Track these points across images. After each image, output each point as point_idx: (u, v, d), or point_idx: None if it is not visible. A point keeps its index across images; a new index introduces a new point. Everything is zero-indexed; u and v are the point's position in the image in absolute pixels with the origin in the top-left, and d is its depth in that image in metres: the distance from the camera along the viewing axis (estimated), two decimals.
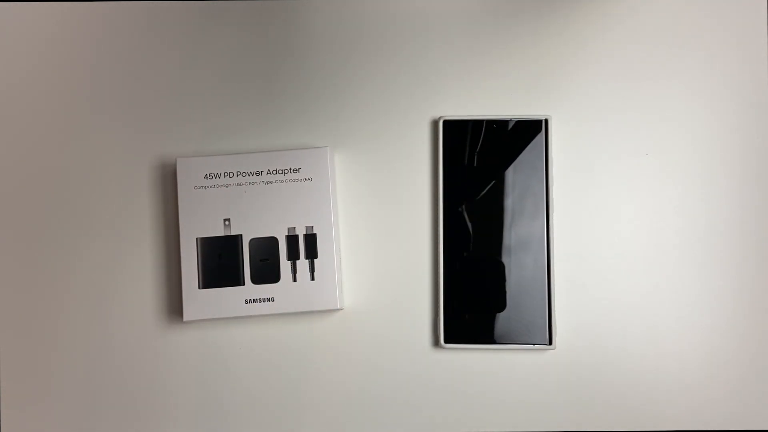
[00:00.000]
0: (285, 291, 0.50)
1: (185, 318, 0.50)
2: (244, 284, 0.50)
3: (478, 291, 0.51)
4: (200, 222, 0.50)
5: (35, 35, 0.55)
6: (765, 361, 0.51)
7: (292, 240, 0.50)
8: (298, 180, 0.51)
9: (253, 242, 0.50)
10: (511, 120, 0.52)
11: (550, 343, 0.50)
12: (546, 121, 0.52)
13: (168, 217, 0.53)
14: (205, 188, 0.51)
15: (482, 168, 0.52)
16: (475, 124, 0.52)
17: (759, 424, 0.51)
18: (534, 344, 0.50)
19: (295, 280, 0.50)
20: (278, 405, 0.52)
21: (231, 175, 0.51)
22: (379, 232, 0.53)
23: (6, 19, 0.55)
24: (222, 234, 0.50)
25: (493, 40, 0.54)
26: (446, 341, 0.51)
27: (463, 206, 0.51)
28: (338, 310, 0.51)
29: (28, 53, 0.55)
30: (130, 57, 0.55)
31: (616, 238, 0.52)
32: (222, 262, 0.50)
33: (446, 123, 0.52)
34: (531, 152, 0.52)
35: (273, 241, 0.50)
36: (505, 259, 0.51)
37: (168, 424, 0.53)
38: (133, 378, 0.53)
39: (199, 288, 0.50)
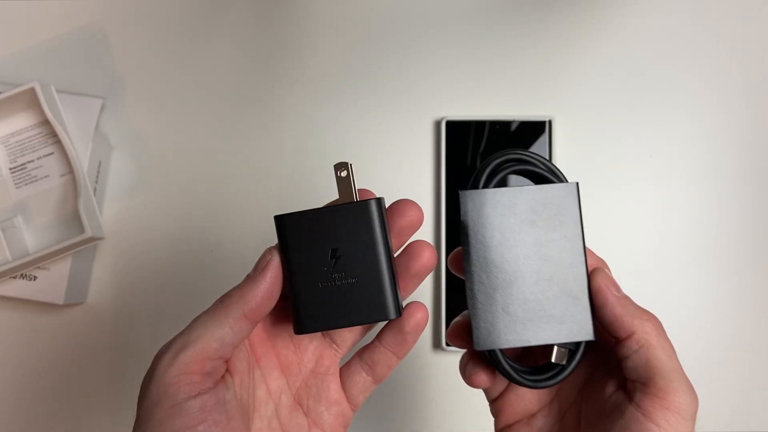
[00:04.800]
0: None
1: None
2: None
3: None
4: None
5: None
6: None
7: None
8: None
9: None
10: (514, 121, 0.52)
11: None
12: (549, 122, 0.52)
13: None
14: None
15: None
16: (477, 125, 0.52)
17: (761, 425, 0.51)
18: None
19: None
20: None
21: None
22: None
23: None
24: None
25: (496, 40, 0.54)
26: (447, 343, 0.51)
27: None
28: None
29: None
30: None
31: (620, 240, 0.52)
32: None
33: (449, 124, 0.52)
34: None
35: None
36: None
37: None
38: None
39: None
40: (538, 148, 0.51)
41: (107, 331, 0.53)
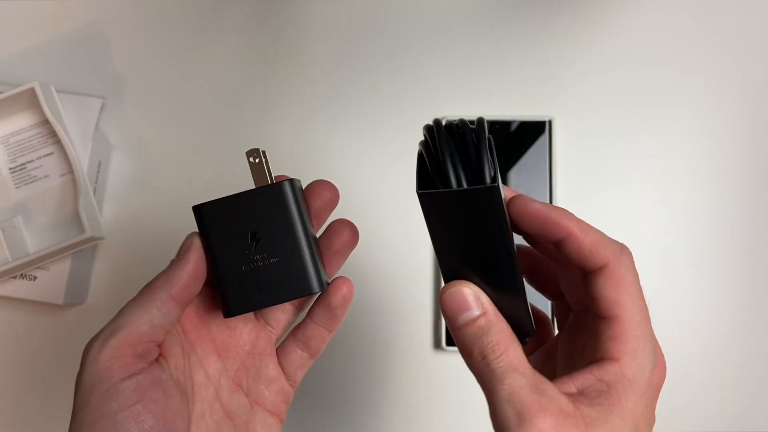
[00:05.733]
0: None
1: None
2: None
3: None
4: None
5: None
6: None
7: None
8: None
9: None
10: (514, 121, 0.52)
11: None
12: (550, 122, 0.52)
13: None
14: None
15: None
16: None
17: (761, 425, 0.51)
18: None
19: None
20: None
21: None
22: (380, 232, 0.53)
23: None
24: None
25: (496, 40, 0.54)
26: (448, 344, 0.51)
27: None
28: None
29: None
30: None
31: (620, 240, 0.52)
32: None
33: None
34: (534, 154, 0.51)
35: None
36: None
37: None
38: None
39: None
40: (538, 148, 0.51)
41: None
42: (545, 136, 0.52)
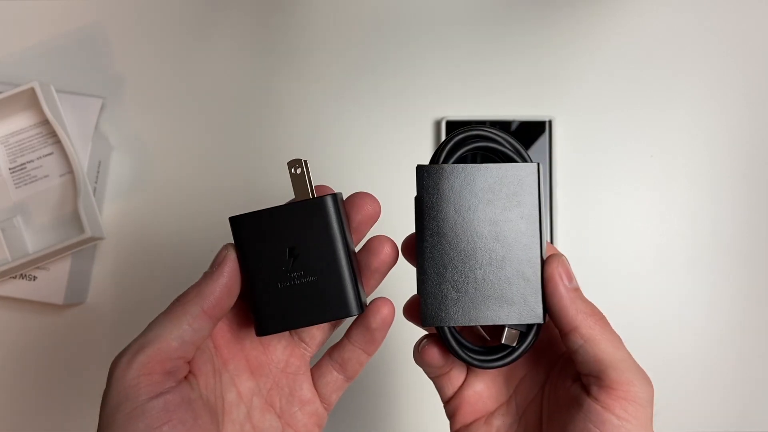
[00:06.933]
0: None
1: None
2: None
3: None
4: None
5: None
6: None
7: None
8: None
9: None
10: (514, 121, 0.52)
11: None
12: (549, 122, 0.52)
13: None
14: None
15: None
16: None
17: (761, 425, 0.51)
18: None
19: None
20: None
21: None
22: (380, 232, 0.53)
23: None
24: None
25: (496, 40, 0.54)
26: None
27: None
28: None
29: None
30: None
31: (620, 240, 0.52)
32: None
33: (449, 124, 0.52)
34: (534, 154, 0.51)
35: None
36: None
37: None
38: None
39: None
40: (538, 148, 0.51)
41: (107, 331, 0.53)
42: (545, 136, 0.52)
